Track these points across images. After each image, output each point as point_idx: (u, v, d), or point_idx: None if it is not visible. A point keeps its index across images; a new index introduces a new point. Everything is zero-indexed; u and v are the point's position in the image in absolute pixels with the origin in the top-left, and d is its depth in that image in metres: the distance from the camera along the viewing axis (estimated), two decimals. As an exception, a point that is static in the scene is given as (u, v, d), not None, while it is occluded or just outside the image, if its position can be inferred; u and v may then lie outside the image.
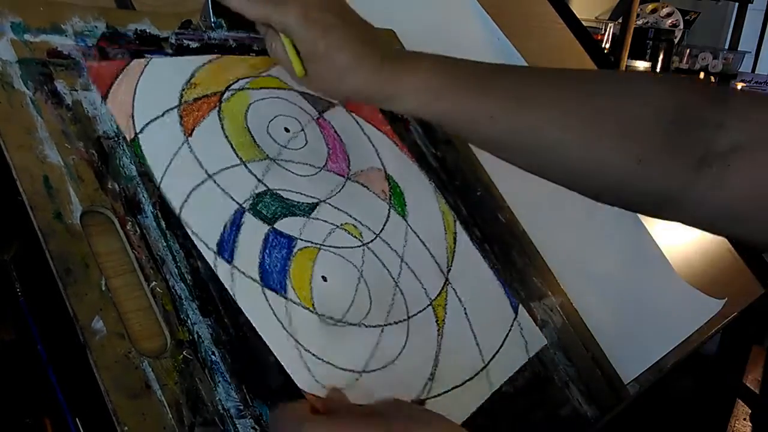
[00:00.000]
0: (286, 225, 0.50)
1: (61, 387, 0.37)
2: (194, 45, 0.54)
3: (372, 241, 0.54)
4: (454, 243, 0.59)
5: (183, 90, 0.50)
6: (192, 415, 0.40)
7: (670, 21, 2.60)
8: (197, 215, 0.46)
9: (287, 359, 0.45)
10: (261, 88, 0.55)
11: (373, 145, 0.59)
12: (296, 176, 0.53)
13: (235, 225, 0.48)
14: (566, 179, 0.51)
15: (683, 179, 0.46)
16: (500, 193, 0.66)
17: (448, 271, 0.57)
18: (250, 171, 0.50)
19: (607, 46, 2.25)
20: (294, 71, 0.49)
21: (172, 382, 0.40)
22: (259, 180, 0.50)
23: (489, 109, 0.48)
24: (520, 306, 0.60)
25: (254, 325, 0.45)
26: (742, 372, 1.09)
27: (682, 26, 2.62)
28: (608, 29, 2.27)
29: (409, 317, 0.53)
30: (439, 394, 0.51)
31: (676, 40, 2.55)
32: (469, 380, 0.53)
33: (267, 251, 0.48)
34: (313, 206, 0.52)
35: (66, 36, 0.48)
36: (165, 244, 0.45)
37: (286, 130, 0.54)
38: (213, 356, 0.43)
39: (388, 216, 0.57)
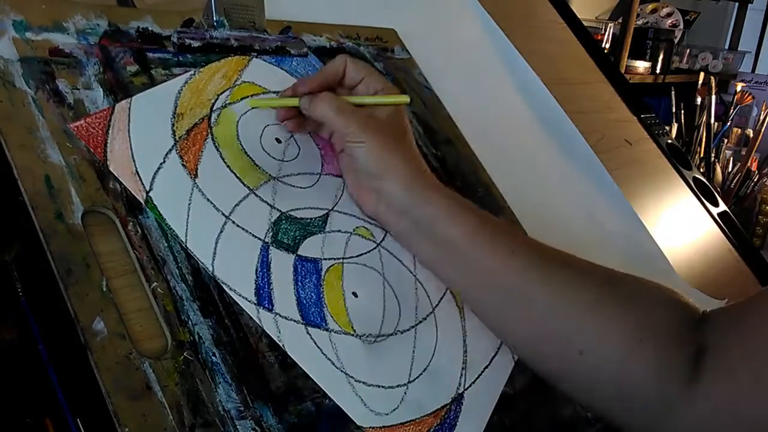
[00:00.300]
0: (308, 248, 0.50)
1: (61, 387, 0.37)
2: (196, 44, 0.54)
3: (384, 239, 0.54)
4: None
5: (173, 125, 0.49)
6: (193, 417, 0.40)
7: (670, 21, 2.60)
8: (229, 268, 0.46)
9: (343, 398, 0.46)
10: (241, 99, 0.54)
11: None
12: (301, 190, 0.53)
13: (264, 265, 0.48)
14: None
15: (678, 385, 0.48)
16: (501, 193, 0.66)
17: None
18: (261, 198, 0.50)
19: (607, 46, 2.25)
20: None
21: (172, 383, 0.40)
22: (271, 206, 0.50)
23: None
24: None
25: (308, 372, 0.45)
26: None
27: (682, 26, 2.62)
28: (608, 29, 2.27)
29: (433, 309, 0.54)
30: (473, 382, 0.52)
31: (676, 40, 2.55)
32: (494, 356, 0.54)
33: (300, 284, 0.48)
34: (324, 219, 0.52)
35: (68, 34, 0.48)
36: (166, 244, 0.45)
37: (278, 140, 0.54)
38: (214, 357, 0.43)
39: None
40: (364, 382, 0.47)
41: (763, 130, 1.74)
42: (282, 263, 0.48)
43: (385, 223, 0.54)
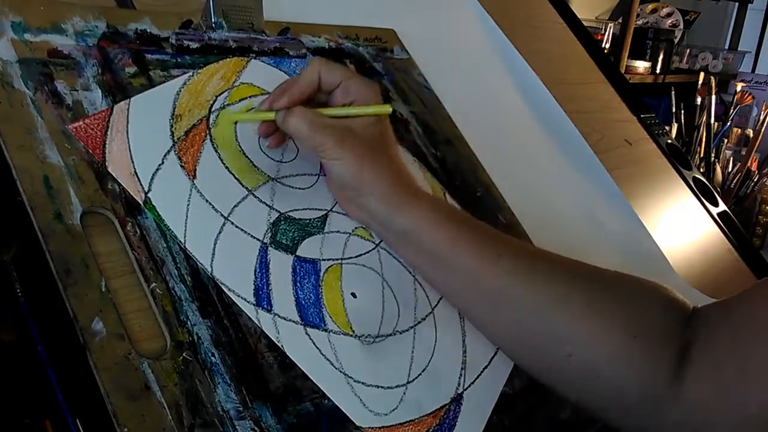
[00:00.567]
0: (306, 249, 0.50)
1: (61, 388, 0.37)
2: (194, 45, 0.54)
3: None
4: None
5: (172, 126, 0.49)
6: (192, 417, 0.40)
7: (670, 21, 2.60)
8: (227, 268, 0.46)
9: (342, 398, 0.46)
10: (240, 100, 0.54)
11: None
12: (300, 191, 0.53)
13: (263, 266, 0.48)
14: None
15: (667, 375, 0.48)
16: (500, 193, 0.66)
17: None
18: (260, 199, 0.50)
19: (607, 46, 2.25)
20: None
21: (171, 383, 0.40)
22: (269, 207, 0.50)
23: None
24: None
25: (307, 373, 0.45)
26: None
27: (682, 26, 2.62)
28: (608, 29, 2.27)
29: (432, 309, 0.54)
30: (473, 382, 0.52)
31: (676, 40, 2.55)
32: (494, 356, 0.54)
33: (298, 284, 0.48)
34: (323, 219, 0.52)
35: (66, 35, 0.48)
36: (165, 245, 0.45)
37: None
38: (213, 358, 0.43)
39: None
40: (363, 383, 0.47)
41: (763, 130, 1.74)
42: (281, 264, 0.48)
43: (372, 231, 0.54)
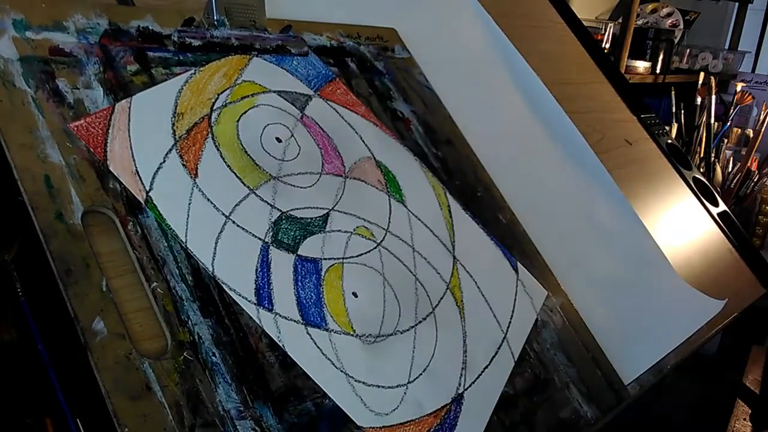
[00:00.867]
0: (308, 248, 0.50)
1: (61, 387, 0.37)
2: (196, 43, 0.54)
3: (384, 238, 0.54)
4: (450, 216, 0.60)
5: (173, 124, 0.49)
6: (192, 417, 0.40)
7: (670, 21, 2.60)
8: (229, 268, 0.46)
9: (342, 398, 0.46)
10: (242, 98, 0.54)
11: (357, 132, 0.60)
12: (301, 189, 0.53)
13: (264, 265, 0.47)
14: None
15: None
16: (501, 193, 0.66)
17: (453, 247, 0.58)
18: (261, 198, 0.50)
19: (607, 46, 2.25)
20: None
21: (172, 383, 0.40)
22: (271, 205, 0.50)
23: None
24: (518, 264, 0.62)
25: (308, 372, 0.45)
26: (742, 372, 1.10)
27: (682, 26, 2.62)
28: (608, 29, 2.27)
29: (433, 309, 0.54)
30: (473, 382, 0.52)
31: (676, 40, 2.55)
32: (495, 356, 0.55)
33: (299, 284, 0.48)
34: (324, 218, 0.52)
35: (68, 33, 0.48)
36: (166, 244, 0.44)
37: (278, 140, 0.54)
38: (213, 357, 0.42)
39: (390, 207, 0.57)
40: (363, 382, 0.47)
41: (763, 130, 1.74)
42: (282, 263, 0.48)
43: None
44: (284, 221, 0.50)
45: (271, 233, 0.49)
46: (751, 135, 1.86)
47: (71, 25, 0.48)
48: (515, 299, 0.60)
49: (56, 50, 0.46)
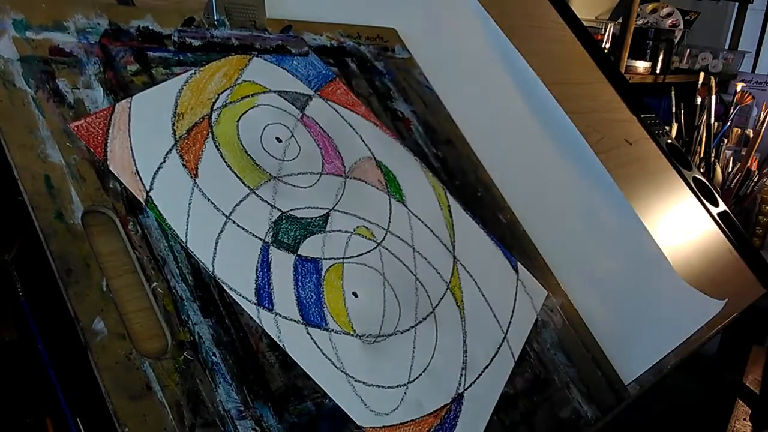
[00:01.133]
0: (308, 248, 0.50)
1: (61, 387, 0.37)
2: (197, 43, 0.54)
3: (384, 238, 0.55)
4: (450, 216, 0.60)
5: (173, 124, 0.49)
6: (193, 416, 0.40)
7: (670, 21, 2.60)
8: (229, 268, 0.46)
9: (343, 398, 0.46)
10: (242, 98, 0.54)
11: (357, 132, 0.60)
12: (302, 189, 0.53)
13: (265, 265, 0.48)
14: None
15: None
16: (501, 193, 0.66)
17: (454, 247, 0.58)
18: (261, 198, 0.50)
19: (607, 46, 2.25)
20: None
21: (172, 383, 0.40)
22: (271, 205, 0.50)
23: None
24: (518, 263, 0.62)
25: (308, 372, 0.45)
26: (742, 372, 1.10)
27: (682, 26, 2.62)
28: (608, 29, 2.27)
29: (433, 309, 0.54)
30: (474, 382, 0.52)
31: (676, 40, 2.55)
32: (495, 356, 0.55)
33: (300, 283, 0.48)
34: (325, 218, 0.52)
35: (68, 33, 0.48)
36: (166, 244, 0.44)
37: (278, 140, 0.54)
38: (214, 357, 0.42)
39: (390, 206, 0.57)
40: (364, 382, 0.47)
41: (763, 130, 1.74)
42: (282, 263, 0.48)
43: None
44: (284, 221, 0.50)
45: (271, 233, 0.49)
46: (751, 135, 1.86)
47: (71, 25, 0.48)
48: (515, 299, 0.60)
49: (56, 50, 0.46)
